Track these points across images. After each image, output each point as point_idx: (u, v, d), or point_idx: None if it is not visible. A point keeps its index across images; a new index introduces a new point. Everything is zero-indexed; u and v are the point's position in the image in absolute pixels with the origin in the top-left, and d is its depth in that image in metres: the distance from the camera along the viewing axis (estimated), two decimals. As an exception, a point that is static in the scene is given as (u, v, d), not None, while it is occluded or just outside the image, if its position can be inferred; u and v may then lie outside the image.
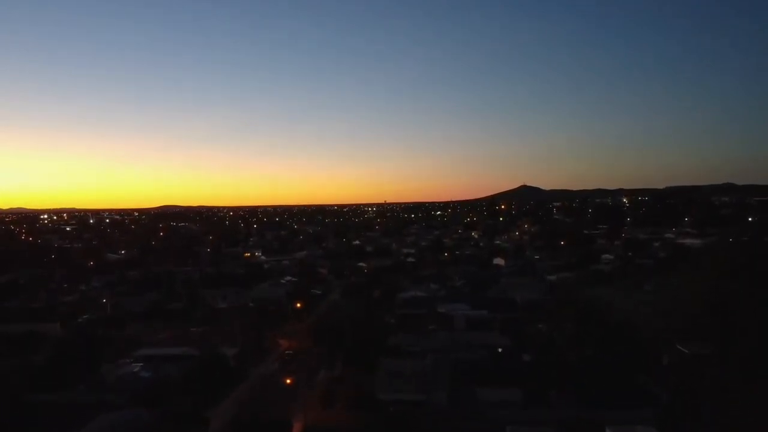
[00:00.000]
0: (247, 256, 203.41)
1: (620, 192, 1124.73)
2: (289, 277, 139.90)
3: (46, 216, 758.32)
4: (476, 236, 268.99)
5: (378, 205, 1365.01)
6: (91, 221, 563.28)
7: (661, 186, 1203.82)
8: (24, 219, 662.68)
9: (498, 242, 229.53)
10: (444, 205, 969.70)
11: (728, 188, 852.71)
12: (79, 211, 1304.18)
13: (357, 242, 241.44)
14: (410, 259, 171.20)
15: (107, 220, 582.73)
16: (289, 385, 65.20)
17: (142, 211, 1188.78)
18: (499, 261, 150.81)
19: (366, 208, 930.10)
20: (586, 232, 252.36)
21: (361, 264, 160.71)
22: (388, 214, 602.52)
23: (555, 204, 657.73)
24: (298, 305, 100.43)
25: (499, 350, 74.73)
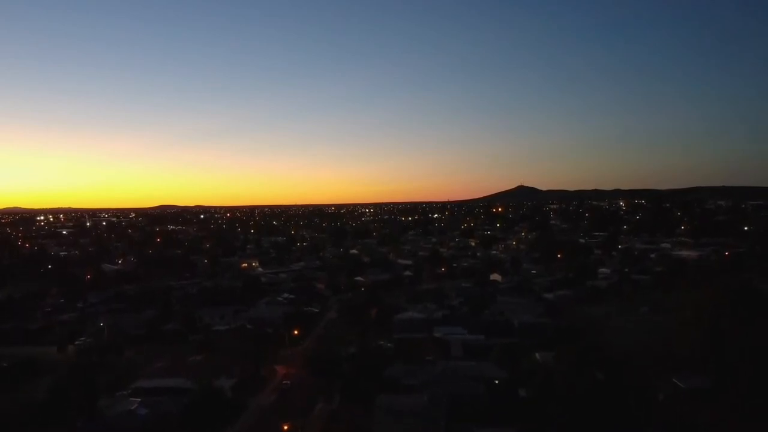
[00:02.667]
0: (245, 267, 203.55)
1: (617, 193, 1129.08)
2: (286, 294, 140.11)
3: (42, 217, 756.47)
4: (473, 244, 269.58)
5: (375, 204, 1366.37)
6: (88, 224, 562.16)
7: (657, 187, 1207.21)
8: (20, 220, 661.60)
9: (495, 252, 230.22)
10: (442, 206, 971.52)
11: (725, 191, 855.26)
12: (76, 210, 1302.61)
13: (354, 251, 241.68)
14: (407, 273, 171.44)
15: (104, 223, 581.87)
16: (286, 422, 65.29)
17: (140, 211, 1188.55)
18: (495, 276, 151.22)
19: (363, 209, 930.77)
20: (582, 241, 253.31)
21: (358, 278, 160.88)
22: (386, 217, 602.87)
23: (552, 206, 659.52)
24: (296, 332, 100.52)
25: (496, 382, 75.04)
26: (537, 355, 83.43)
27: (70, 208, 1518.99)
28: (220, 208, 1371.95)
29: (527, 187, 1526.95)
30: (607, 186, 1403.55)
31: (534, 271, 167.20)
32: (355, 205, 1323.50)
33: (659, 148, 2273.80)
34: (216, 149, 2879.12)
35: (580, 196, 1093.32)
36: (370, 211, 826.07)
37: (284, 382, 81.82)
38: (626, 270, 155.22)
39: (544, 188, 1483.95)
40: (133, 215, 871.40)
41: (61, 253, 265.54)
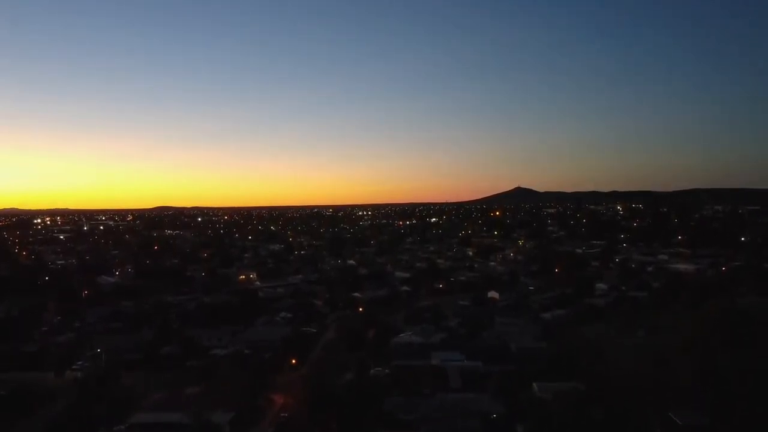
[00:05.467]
0: (242, 279, 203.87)
1: (614, 195, 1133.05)
2: (284, 313, 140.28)
3: (39, 219, 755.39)
4: (471, 254, 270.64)
5: (373, 206, 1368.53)
6: (85, 228, 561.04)
7: (655, 188, 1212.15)
8: (18, 223, 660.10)
9: (493, 263, 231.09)
10: (439, 209, 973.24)
11: (722, 193, 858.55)
12: (74, 212, 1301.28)
13: (352, 262, 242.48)
14: (405, 288, 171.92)
15: (101, 227, 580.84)
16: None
17: (138, 212, 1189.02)
18: (493, 294, 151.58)
19: (361, 212, 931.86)
20: (580, 251, 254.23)
21: (356, 294, 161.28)
22: (383, 221, 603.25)
23: (549, 210, 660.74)
24: (294, 359, 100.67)
25: (494, 416, 75.24)
26: (535, 385, 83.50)
27: (67, 209, 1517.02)
28: (218, 209, 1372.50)
29: (525, 188, 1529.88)
30: (605, 187, 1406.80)
31: (531, 288, 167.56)
32: (352, 207, 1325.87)
33: (656, 149, 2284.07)
34: (214, 150, 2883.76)
35: (578, 197, 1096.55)
36: (367, 214, 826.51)
37: (282, 414, 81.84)
38: (624, 288, 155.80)
39: (541, 190, 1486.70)
40: (131, 217, 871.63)
41: (59, 262, 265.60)
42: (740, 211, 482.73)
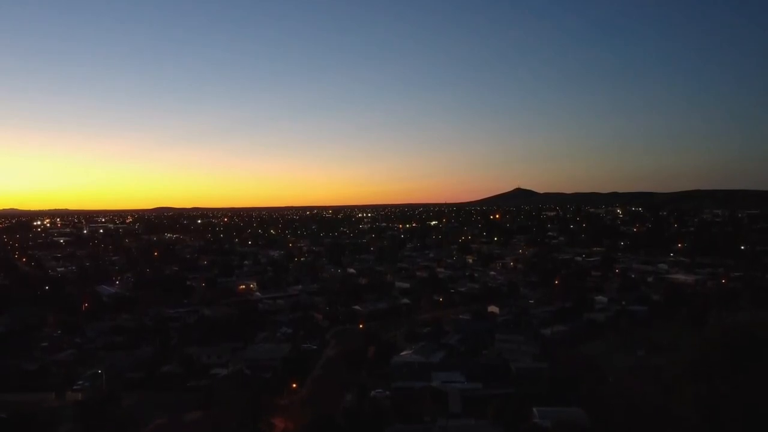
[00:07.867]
0: (242, 289, 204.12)
1: (613, 196, 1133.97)
2: (284, 329, 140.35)
3: (39, 222, 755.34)
4: (471, 261, 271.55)
5: (372, 207, 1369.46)
6: (85, 231, 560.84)
7: (654, 189, 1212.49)
8: (17, 225, 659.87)
9: (493, 273, 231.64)
10: (439, 210, 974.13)
11: (721, 195, 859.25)
12: (74, 212, 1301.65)
13: (352, 270, 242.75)
14: (405, 300, 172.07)
15: (101, 230, 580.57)
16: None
17: (137, 213, 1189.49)
18: (493, 309, 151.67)
19: (360, 213, 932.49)
20: (579, 259, 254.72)
21: (356, 307, 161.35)
22: (383, 224, 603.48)
23: (549, 213, 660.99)
24: (294, 381, 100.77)
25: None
26: (535, 411, 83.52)
27: (66, 209, 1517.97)
28: (218, 210, 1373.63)
29: (524, 189, 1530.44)
30: (604, 189, 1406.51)
31: (531, 301, 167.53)
32: (352, 208, 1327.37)
33: (656, 150, 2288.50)
34: (213, 151, 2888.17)
35: (577, 199, 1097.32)
36: (367, 216, 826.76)
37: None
38: (623, 302, 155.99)
39: (541, 191, 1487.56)
40: (130, 219, 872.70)
41: (59, 269, 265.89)
42: (739, 215, 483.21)
